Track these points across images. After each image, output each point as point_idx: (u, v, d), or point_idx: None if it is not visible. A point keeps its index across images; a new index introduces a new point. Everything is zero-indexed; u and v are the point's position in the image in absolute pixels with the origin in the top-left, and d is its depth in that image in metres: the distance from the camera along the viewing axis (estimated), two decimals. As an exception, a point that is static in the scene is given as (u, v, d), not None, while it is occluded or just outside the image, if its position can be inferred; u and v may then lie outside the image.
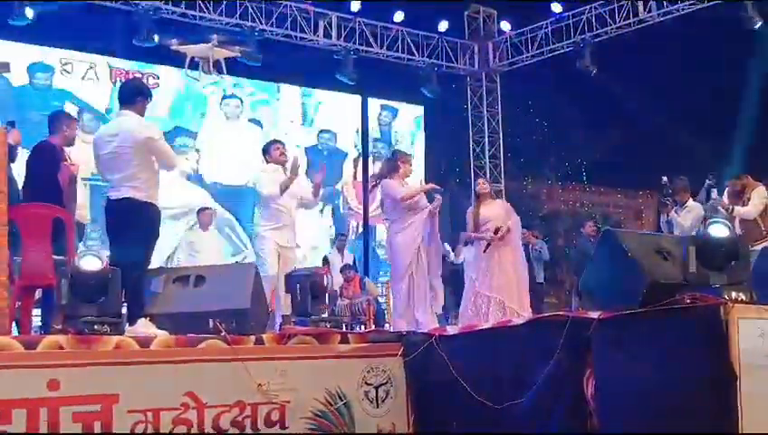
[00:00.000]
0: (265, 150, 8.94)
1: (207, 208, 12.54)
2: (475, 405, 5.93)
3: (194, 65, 13.69)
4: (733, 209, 8.51)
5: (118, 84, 14.18)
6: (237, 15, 15.35)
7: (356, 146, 18.95)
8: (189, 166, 15.10)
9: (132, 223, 6.29)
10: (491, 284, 8.74)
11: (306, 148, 17.88)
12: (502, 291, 8.70)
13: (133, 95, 6.63)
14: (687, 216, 9.40)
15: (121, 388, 5.24)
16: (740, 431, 4.78)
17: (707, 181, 9.66)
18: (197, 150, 16.01)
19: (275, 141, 9.17)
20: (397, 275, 8.49)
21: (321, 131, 18.40)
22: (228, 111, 16.57)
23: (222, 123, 16.51)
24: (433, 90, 17.91)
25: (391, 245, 8.57)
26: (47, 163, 7.07)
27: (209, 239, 12.25)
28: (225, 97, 16.58)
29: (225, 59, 14.17)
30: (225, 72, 13.87)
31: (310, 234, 15.50)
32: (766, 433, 4.90)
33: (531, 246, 13.80)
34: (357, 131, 18.98)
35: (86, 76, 15.10)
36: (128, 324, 5.99)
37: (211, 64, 13.66)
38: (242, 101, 16.80)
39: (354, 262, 14.14)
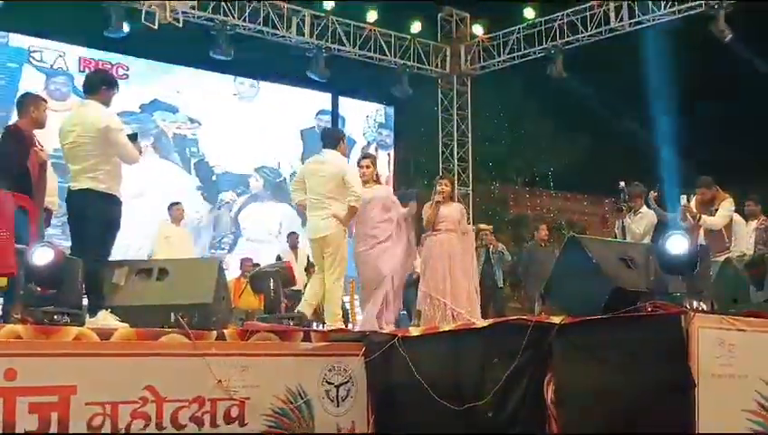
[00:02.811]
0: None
1: (178, 203, 12.48)
2: (436, 406, 5.93)
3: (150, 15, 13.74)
4: (700, 218, 8.58)
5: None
6: (210, 10, 15.27)
7: (365, 134, 18.87)
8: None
9: (92, 214, 6.23)
10: (443, 289, 8.70)
11: (302, 130, 17.81)
12: (447, 294, 8.67)
13: (97, 85, 6.56)
14: (640, 222, 9.48)
15: (79, 379, 5.18)
16: (697, 437, 4.83)
17: (652, 193, 9.73)
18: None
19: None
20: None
21: (319, 112, 18.32)
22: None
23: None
24: (403, 91, 17.92)
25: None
26: (17, 148, 6.91)
27: (182, 234, 12.21)
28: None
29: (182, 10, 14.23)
30: (180, 22, 13.87)
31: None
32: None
33: (491, 248, 13.77)
34: (367, 117, 18.88)
35: (55, 65, 15.01)
36: (88, 316, 5.93)
37: (167, 13, 13.68)
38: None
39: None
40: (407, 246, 8.52)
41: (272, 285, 6.91)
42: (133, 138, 6.64)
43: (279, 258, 13.09)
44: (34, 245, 5.68)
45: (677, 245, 5.47)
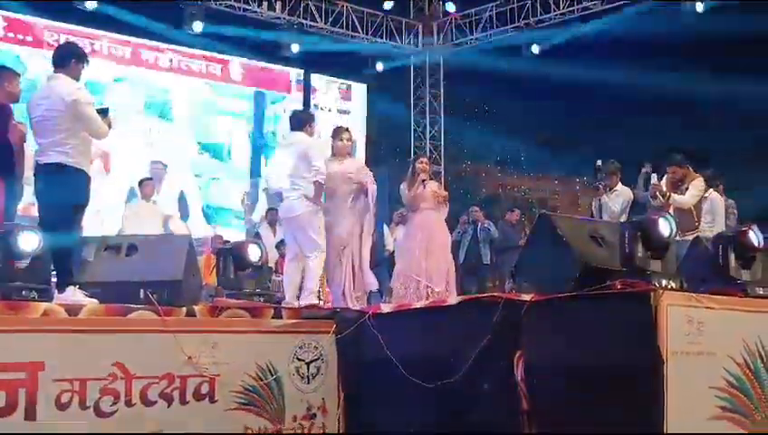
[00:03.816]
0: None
1: (149, 179, 12.38)
2: (407, 383, 5.95)
3: None
4: (670, 196, 8.62)
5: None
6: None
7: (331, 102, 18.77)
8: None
9: (61, 188, 6.15)
10: (419, 268, 8.72)
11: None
12: (429, 276, 8.69)
13: (67, 58, 6.46)
14: (617, 199, 9.50)
15: (48, 356, 5.16)
16: (665, 414, 4.86)
17: (644, 170, 9.77)
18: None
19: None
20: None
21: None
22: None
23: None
24: (375, 68, 17.87)
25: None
26: None
27: (152, 210, 12.10)
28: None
29: None
30: None
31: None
32: None
33: (480, 225, 13.77)
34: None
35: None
36: (57, 292, 5.87)
37: None
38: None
39: None
40: (366, 221, 8.51)
41: (221, 262, 6.89)
42: (104, 112, 6.56)
43: (258, 235, 13.11)
44: (20, 229, 5.56)
45: (664, 228, 5.53)
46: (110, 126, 6.56)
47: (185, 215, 12.39)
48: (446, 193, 9.16)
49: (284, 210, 8.12)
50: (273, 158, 8.50)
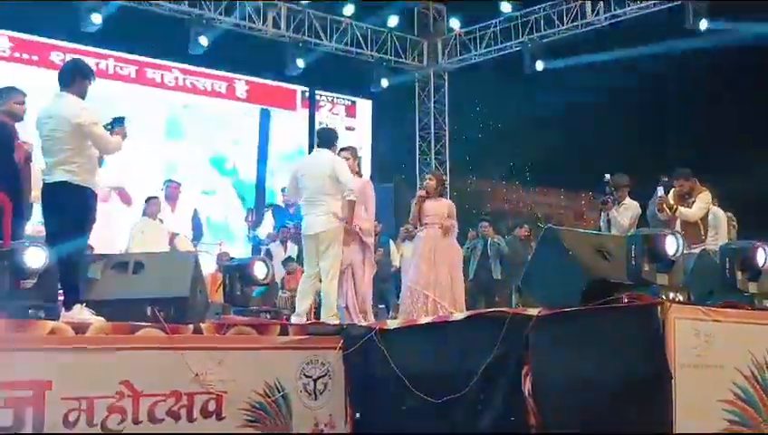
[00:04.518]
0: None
1: (155, 198, 12.39)
2: (414, 399, 5.94)
3: None
4: (677, 209, 8.61)
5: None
6: (186, 2, 15.18)
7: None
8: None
9: (67, 207, 6.15)
10: (426, 281, 8.73)
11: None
12: (435, 289, 8.70)
13: (71, 76, 6.44)
14: (625, 213, 9.46)
15: (55, 374, 5.15)
16: (674, 428, 4.85)
17: (660, 185, 9.70)
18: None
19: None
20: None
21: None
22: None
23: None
24: (380, 85, 17.93)
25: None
26: (3, 143, 6.79)
27: (157, 228, 12.09)
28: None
29: None
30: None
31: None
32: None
33: (489, 240, 13.74)
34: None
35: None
36: (63, 310, 5.87)
37: None
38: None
39: (298, 254, 13.99)
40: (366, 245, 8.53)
41: (227, 279, 6.91)
42: (119, 122, 6.52)
43: (268, 252, 13.13)
44: (25, 244, 5.57)
45: (671, 246, 5.53)
46: (124, 136, 6.54)
47: (198, 234, 12.36)
48: (453, 223, 9.10)
49: (306, 226, 8.10)
50: (293, 173, 8.39)
